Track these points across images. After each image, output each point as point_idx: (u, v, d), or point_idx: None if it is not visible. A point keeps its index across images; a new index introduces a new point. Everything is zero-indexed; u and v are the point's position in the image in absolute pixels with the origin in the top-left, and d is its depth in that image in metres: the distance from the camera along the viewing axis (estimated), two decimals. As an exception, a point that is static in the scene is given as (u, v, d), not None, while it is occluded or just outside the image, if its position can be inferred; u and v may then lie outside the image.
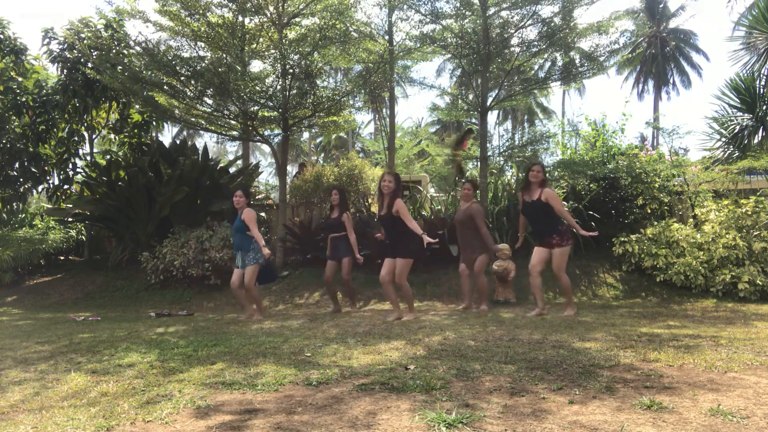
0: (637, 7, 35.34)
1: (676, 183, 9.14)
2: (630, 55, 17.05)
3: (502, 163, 12.20)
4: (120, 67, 9.84)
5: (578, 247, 8.52)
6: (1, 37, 11.49)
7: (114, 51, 10.42)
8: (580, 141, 11.47)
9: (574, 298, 6.35)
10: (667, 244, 7.85)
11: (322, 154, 42.41)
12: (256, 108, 10.16)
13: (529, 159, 10.64)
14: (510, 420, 2.30)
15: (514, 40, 9.59)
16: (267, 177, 41.69)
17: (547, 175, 6.92)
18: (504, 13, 9.49)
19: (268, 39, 10.24)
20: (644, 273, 7.92)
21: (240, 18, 10.23)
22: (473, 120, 15.20)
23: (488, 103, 9.75)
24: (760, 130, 8.49)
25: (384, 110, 14.72)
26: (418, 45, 9.98)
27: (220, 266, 9.02)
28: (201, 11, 9.57)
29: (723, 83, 13.10)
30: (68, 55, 11.09)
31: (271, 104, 9.75)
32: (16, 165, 11.58)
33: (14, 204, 11.98)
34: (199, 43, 10.14)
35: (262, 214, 11.26)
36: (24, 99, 11.36)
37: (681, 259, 7.51)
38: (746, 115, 8.65)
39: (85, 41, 10.64)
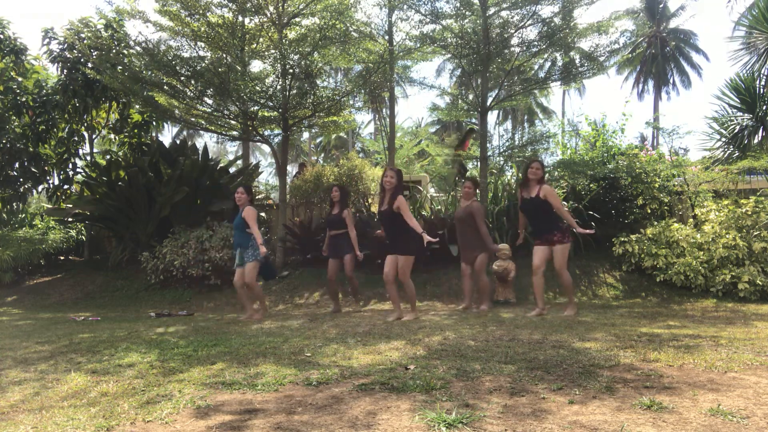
0: (637, 7, 35.35)
1: (676, 183, 9.13)
2: (630, 55, 17.06)
3: (502, 163, 12.20)
4: (120, 67, 9.84)
5: (578, 247, 8.52)
6: (1, 37, 11.49)
7: (114, 51, 10.42)
8: (580, 141, 11.47)
9: (574, 298, 6.35)
10: (667, 244, 7.84)
11: (322, 154, 42.41)
12: (256, 108, 10.16)
13: (529, 159, 10.65)
14: (510, 420, 2.30)
15: (514, 40, 9.60)
16: (267, 177, 41.73)
17: (547, 175, 6.93)
18: (504, 13, 9.49)
19: (268, 39, 10.24)
20: (644, 273, 7.92)
21: (240, 18, 10.23)
22: (473, 120, 15.21)
23: (488, 103, 9.75)
24: (760, 130, 8.49)
25: (384, 110, 14.73)
26: (418, 45, 9.98)
27: (220, 266, 9.02)
28: (201, 11, 9.57)
29: (723, 83, 13.11)
30: (68, 55, 11.09)
31: (271, 104, 9.75)
32: (16, 165, 11.59)
33: (14, 204, 11.99)
34: (199, 43, 10.15)
35: (262, 214, 11.26)
36: (24, 99, 11.36)
37: (681, 259, 7.51)
38: (746, 115, 8.65)
39: (85, 41, 10.64)
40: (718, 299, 7.08)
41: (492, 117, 34.46)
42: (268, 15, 9.95)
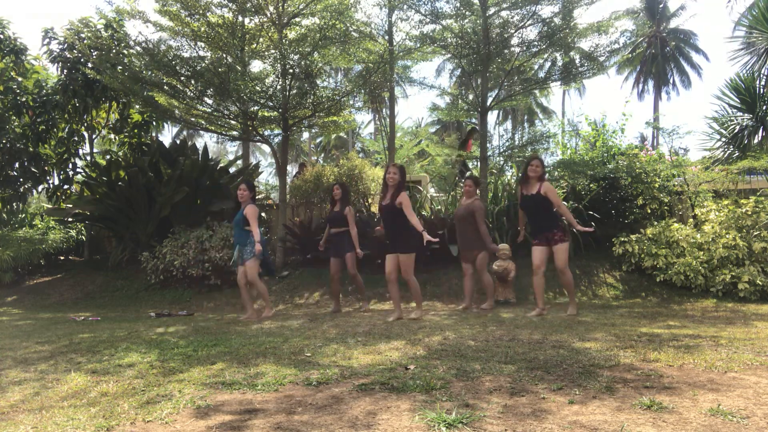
0: (637, 7, 35.33)
1: (676, 183, 9.13)
2: (630, 55, 17.05)
3: (502, 163, 12.20)
4: (120, 67, 9.84)
5: (578, 247, 8.53)
6: (1, 37, 11.49)
7: (114, 51, 10.42)
8: (580, 141, 11.47)
9: (575, 298, 6.35)
10: (667, 244, 7.84)
11: (322, 154, 42.40)
12: (256, 108, 10.16)
13: (529, 157, 10.65)
14: (510, 420, 2.30)
15: (514, 40, 9.60)
16: (267, 177, 41.71)
17: (547, 175, 6.92)
18: (504, 13, 9.50)
19: (268, 39, 10.24)
20: (644, 273, 7.92)
21: (240, 18, 10.23)
22: (473, 120, 15.20)
23: (488, 103, 9.75)
24: (760, 130, 8.49)
25: (384, 110, 14.73)
26: (418, 45, 9.98)
27: (220, 266, 9.02)
28: (201, 11, 9.57)
29: (723, 83, 13.11)
30: (68, 55, 11.09)
31: (271, 104, 9.75)
32: (16, 165, 11.59)
33: (14, 204, 11.99)
34: (199, 43, 10.14)
35: (263, 214, 11.26)
36: (24, 99, 11.36)
37: (681, 259, 7.51)
38: (746, 115, 8.65)
39: (85, 41, 10.64)
40: (718, 299, 7.08)
41: (492, 117, 34.46)
42: (268, 15, 9.95)
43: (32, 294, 10.20)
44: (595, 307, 6.66)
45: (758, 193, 8.36)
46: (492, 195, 9.67)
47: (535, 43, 9.46)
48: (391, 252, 6.02)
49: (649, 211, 8.89)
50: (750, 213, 7.76)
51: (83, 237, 12.19)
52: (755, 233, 7.56)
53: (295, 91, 9.49)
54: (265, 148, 27.10)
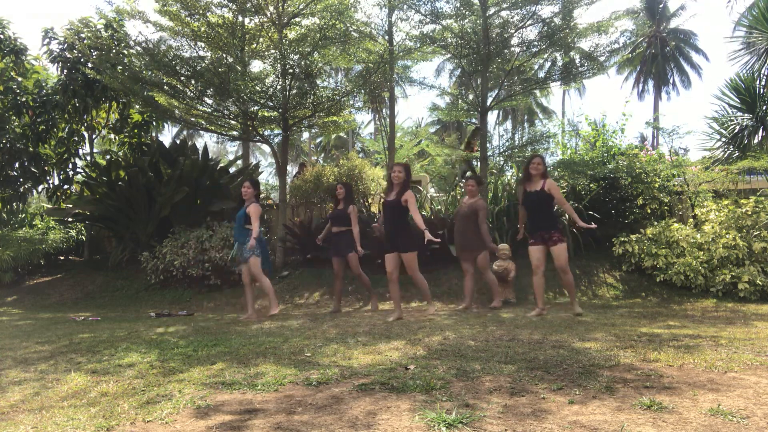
0: (637, 7, 35.32)
1: (676, 183, 9.14)
2: (630, 55, 17.06)
3: (502, 163, 12.19)
4: (120, 67, 9.83)
5: (578, 247, 8.53)
6: (1, 37, 11.49)
7: (114, 51, 10.42)
8: (580, 141, 11.47)
9: (575, 296, 6.35)
10: (667, 244, 7.85)
11: (322, 154, 42.41)
12: (256, 108, 10.16)
13: (530, 156, 10.65)
14: (510, 420, 2.30)
15: (514, 40, 9.59)
16: (267, 177, 41.66)
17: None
18: (504, 13, 9.49)
19: (268, 39, 10.24)
20: (644, 273, 7.92)
21: (240, 18, 10.23)
22: (473, 120, 15.19)
23: (488, 103, 9.75)
24: (760, 130, 8.50)
25: (384, 110, 14.72)
26: (418, 45, 9.98)
27: (220, 266, 9.02)
28: (201, 11, 9.57)
29: (723, 83, 13.11)
30: (68, 55, 11.09)
31: (271, 104, 9.75)
32: (16, 165, 11.59)
33: (14, 204, 11.98)
34: (199, 43, 10.15)
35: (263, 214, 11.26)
36: (24, 99, 11.36)
37: (681, 259, 7.51)
38: (746, 115, 8.65)
39: (85, 41, 10.64)
40: (718, 299, 7.08)
41: (492, 117, 34.47)
42: (268, 15, 9.95)
43: (32, 294, 10.20)
44: (595, 307, 6.66)
45: (758, 193, 8.36)
46: (492, 195, 9.67)
47: (535, 43, 9.46)
48: (390, 251, 6.01)
49: (649, 211, 8.89)
50: (750, 213, 7.76)
51: (83, 237, 12.19)
52: (755, 233, 7.56)
53: (295, 91, 9.49)
54: (265, 148, 27.10)
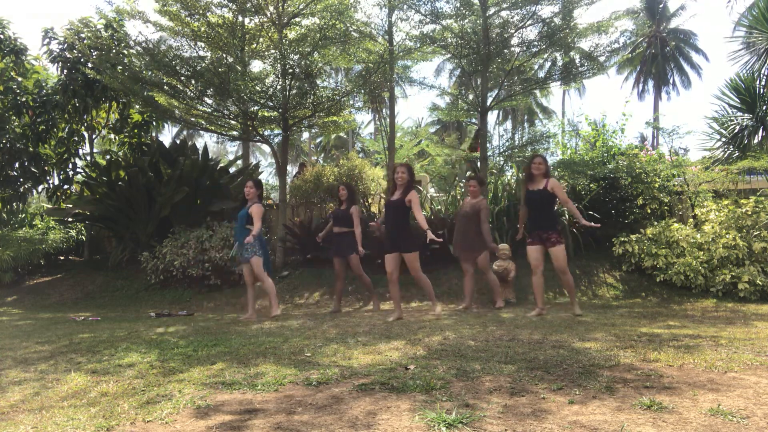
0: (637, 7, 35.32)
1: (676, 183, 9.13)
2: (630, 55, 17.07)
3: (502, 163, 12.20)
4: (120, 67, 9.84)
5: (578, 247, 8.53)
6: (1, 37, 11.50)
7: (114, 51, 10.42)
8: (580, 141, 11.47)
9: (575, 298, 6.35)
10: (667, 244, 7.84)
11: (322, 154, 42.40)
12: (256, 108, 10.16)
13: (531, 156, 10.67)
14: (510, 420, 2.30)
15: (514, 40, 9.60)
16: (267, 177, 41.67)
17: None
18: (504, 13, 9.50)
19: (268, 39, 10.24)
20: (644, 273, 7.92)
21: (240, 18, 10.23)
22: (473, 120, 15.21)
23: (488, 103, 9.75)
24: (760, 130, 8.49)
25: (384, 110, 14.72)
26: (418, 45, 9.98)
27: (220, 266, 9.02)
28: (201, 11, 9.57)
29: (723, 83, 13.11)
30: (68, 55, 11.09)
31: (271, 104, 9.75)
32: (16, 165, 11.59)
33: (14, 204, 11.99)
34: (199, 43, 10.15)
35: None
36: (24, 99, 11.36)
37: (681, 259, 7.51)
38: (746, 115, 8.65)
39: (85, 41, 10.64)
40: (718, 299, 7.08)
41: (492, 117, 34.46)
42: (268, 15, 9.95)
43: (32, 294, 10.20)
44: (595, 307, 6.66)
45: (758, 193, 8.36)
46: (492, 195, 9.67)
47: (535, 43, 9.46)
48: (390, 251, 6.01)
49: (649, 211, 8.89)
50: (750, 213, 7.76)
51: (83, 237, 12.19)
52: (755, 233, 7.56)
53: (295, 91, 9.49)
54: (265, 148, 27.10)
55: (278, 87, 9.61)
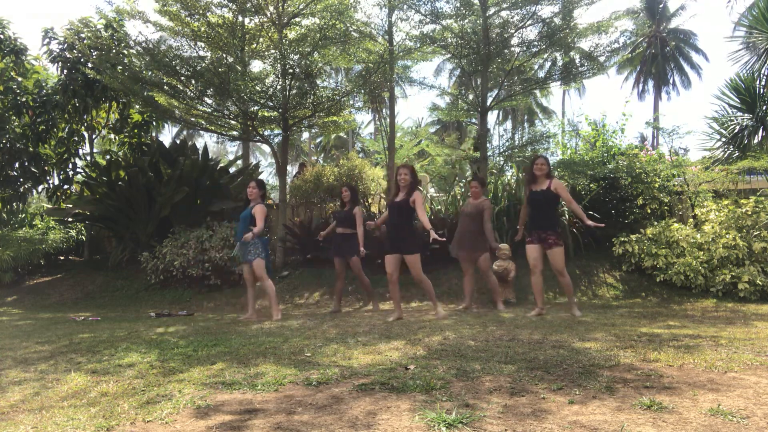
0: (637, 7, 35.32)
1: (676, 183, 9.14)
2: (630, 55, 17.07)
3: (502, 163, 12.20)
4: (120, 67, 9.84)
5: (578, 247, 8.53)
6: (1, 37, 11.49)
7: (114, 51, 10.42)
8: (580, 141, 11.47)
9: (574, 298, 6.35)
10: (667, 244, 7.85)
11: (322, 154, 42.40)
12: (256, 108, 10.16)
13: (533, 156, 10.68)
14: (510, 420, 2.30)
15: (514, 40, 9.60)
16: (267, 177, 41.65)
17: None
18: (504, 13, 9.50)
19: (268, 39, 10.24)
20: (644, 273, 7.92)
21: (240, 18, 10.23)
22: (473, 120, 15.21)
23: (488, 103, 9.75)
24: (760, 130, 8.49)
25: (384, 110, 14.72)
26: (418, 45, 9.99)
27: (220, 266, 9.02)
28: (201, 11, 9.57)
29: (723, 83, 13.11)
30: (68, 55, 11.09)
31: (271, 104, 9.75)
32: (16, 165, 11.59)
33: (14, 204, 11.99)
34: (199, 43, 10.14)
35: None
36: (24, 99, 11.36)
37: (681, 259, 7.51)
38: (746, 115, 8.65)
39: (85, 41, 10.64)
40: (718, 299, 7.08)
41: (492, 117, 34.44)
42: (268, 15, 9.95)
43: (32, 294, 10.20)
44: (595, 307, 6.66)
45: (758, 193, 8.36)
46: (492, 195, 9.67)
47: (535, 43, 9.46)
48: (391, 252, 6.01)
49: (649, 211, 8.89)
50: (750, 213, 7.76)
51: (83, 237, 12.19)
52: (755, 233, 7.56)
53: (295, 91, 9.49)
54: (265, 148, 27.10)
55: (278, 87, 9.62)
